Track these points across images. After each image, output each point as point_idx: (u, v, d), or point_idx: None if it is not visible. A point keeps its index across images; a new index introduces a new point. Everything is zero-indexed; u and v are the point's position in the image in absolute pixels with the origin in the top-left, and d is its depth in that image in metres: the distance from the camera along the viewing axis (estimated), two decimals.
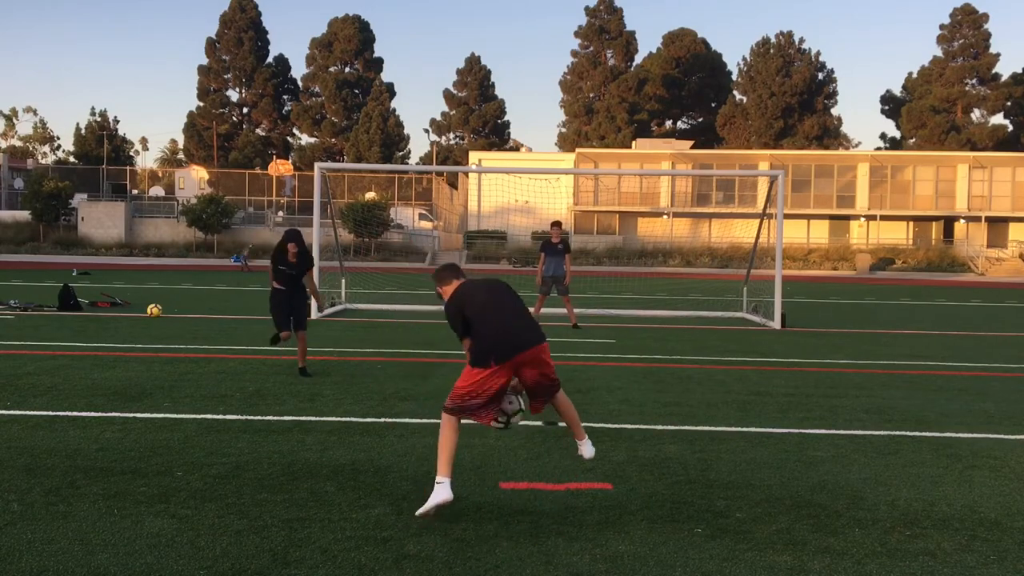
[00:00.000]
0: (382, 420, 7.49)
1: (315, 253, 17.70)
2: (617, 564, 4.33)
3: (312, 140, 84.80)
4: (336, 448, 6.47)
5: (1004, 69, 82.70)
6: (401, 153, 79.78)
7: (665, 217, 55.93)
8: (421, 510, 4.97)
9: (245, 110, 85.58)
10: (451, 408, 5.20)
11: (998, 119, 78.10)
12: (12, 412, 7.50)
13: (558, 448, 5.86)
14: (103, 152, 72.54)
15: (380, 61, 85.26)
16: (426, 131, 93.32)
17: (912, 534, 4.86)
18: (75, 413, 7.50)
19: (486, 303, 5.26)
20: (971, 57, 75.97)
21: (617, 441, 6.85)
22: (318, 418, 7.50)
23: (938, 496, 5.56)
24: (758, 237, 19.88)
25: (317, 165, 18.17)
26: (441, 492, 5.00)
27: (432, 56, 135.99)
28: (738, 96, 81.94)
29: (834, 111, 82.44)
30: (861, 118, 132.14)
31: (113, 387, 8.73)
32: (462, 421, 5.26)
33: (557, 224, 15.82)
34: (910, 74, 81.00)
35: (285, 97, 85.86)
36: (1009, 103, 76.45)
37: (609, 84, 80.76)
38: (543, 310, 15.95)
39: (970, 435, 7.35)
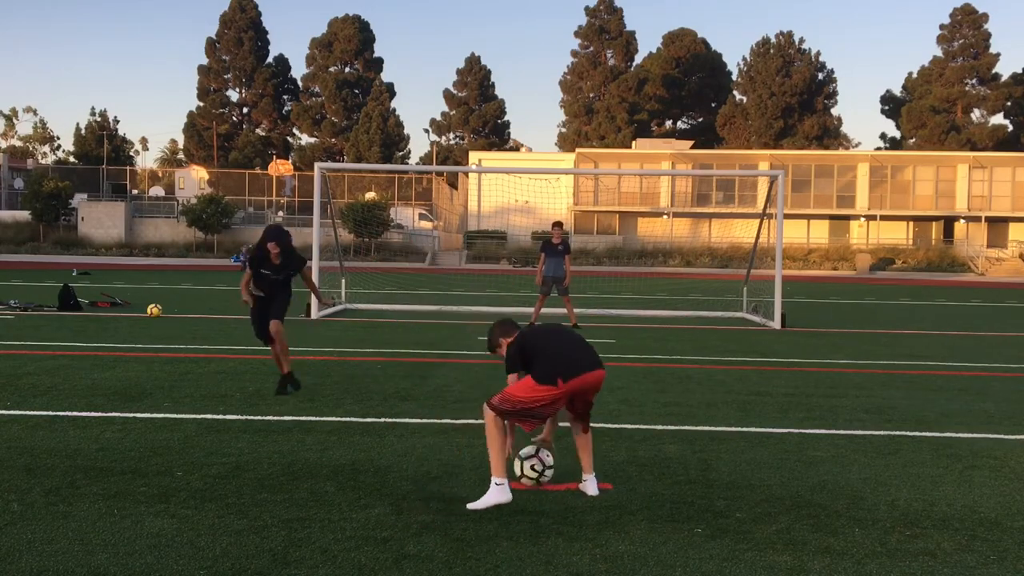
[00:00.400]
0: (382, 420, 7.49)
1: (315, 253, 17.70)
2: (617, 564, 4.33)
3: (312, 140, 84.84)
4: (336, 448, 6.47)
5: (1004, 69, 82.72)
6: (401, 153, 79.81)
7: (665, 217, 55.93)
8: (474, 504, 5.08)
9: (245, 110, 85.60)
10: (499, 409, 5.26)
11: (998, 119, 78.21)
12: (12, 412, 7.50)
13: (558, 448, 5.87)
14: (103, 152, 72.54)
15: (380, 61, 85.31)
16: (426, 131, 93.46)
17: (912, 534, 4.85)
18: (75, 413, 7.50)
19: (548, 336, 5.54)
20: (971, 57, 75.98)
21: (617, 441, 6.85)
22: (318, 418, 7.49)
23: (938, 496, 5.56)
24: (758, 237, 19.89)
25: (317, 165, 18.17)
26: (501, 493, 5.11)
27: (432, 56, 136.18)
28: (738, 96, 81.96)
29: (834, 111, 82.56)
30: (861, 118, 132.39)
31: (113, 387, 8.73)
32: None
33: (558, 224, 15.80)
34: (910, 74, 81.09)
35: (285, 97, 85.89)
36: (1009, 103, 76.48)
37: (609, 84, 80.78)
38: (543, 310, 15.97)
39: (970, 435, 7.35)
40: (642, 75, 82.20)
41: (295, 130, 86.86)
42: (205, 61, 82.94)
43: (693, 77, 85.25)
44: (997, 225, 57.08)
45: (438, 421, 7.48)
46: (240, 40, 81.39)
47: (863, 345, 13.97)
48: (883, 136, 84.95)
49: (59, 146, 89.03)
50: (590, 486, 5.44)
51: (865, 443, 6.98)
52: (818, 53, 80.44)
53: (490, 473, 5.22)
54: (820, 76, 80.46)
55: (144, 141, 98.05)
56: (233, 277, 31.69)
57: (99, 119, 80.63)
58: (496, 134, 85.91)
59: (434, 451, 6.45)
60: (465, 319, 16.71)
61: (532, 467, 5.51)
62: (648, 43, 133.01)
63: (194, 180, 59.38)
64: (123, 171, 61.88)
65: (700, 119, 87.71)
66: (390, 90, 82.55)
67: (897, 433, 7.35)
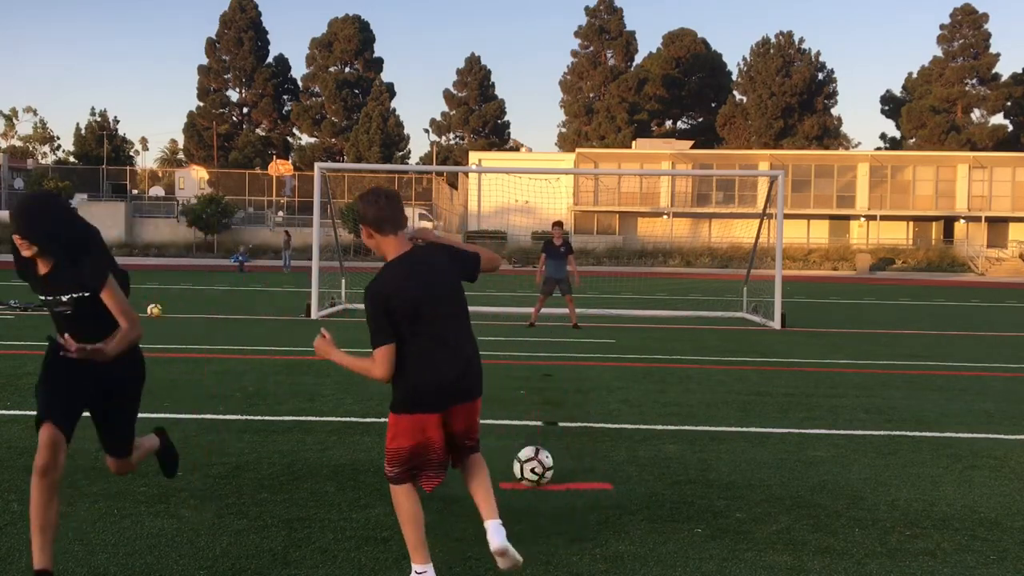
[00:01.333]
0: (382, 420, 7.47)
1: (315, 253, 17.66)
2: (617, 564, 4.33)
3: (312, 140, 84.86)
4: (336, 448, 6.47)
5: (1004, 69, 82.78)
6: (401, 153, 79.83)
7: (665, 217, 55.93)
8: None
9: (245, 110, 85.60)
10: (394, 477, 4.04)
11: (998, 119, 78.25)
12: (12, 412, 7.51)
13: (558, 448, 5.87)
14: (103, 152, 72.55)
15: (380, 61, 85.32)
16: (426, 131, 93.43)
17: (912, 534, 4.85)
18: None
19: (421, 305, 3.86)
20: (971, 57, 75.99)
21: (617, 441, 6.85)
22: (318, 418, 7.49)
23: (938, 496, 5.56)
24: (758, 237, 19.88)
25: (317, 165, 18.16)
26: None
27: (432, 56, 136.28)
28: (738, 96, 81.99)
29: (834, 111, 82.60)
30: (861, 118, 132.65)
31: None
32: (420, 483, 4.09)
33: (558, 224, 15.71)
34: (910, 74, 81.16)
35: (285, 97, 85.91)
36: (1009, 103, 76.52)
37: (609, 84, 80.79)
38: (543, 310, 15.95)
39: (970, 435, 7.35)
40: (642, 75, 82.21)
41: (295, 130, 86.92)
42: (205, 61, 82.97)
43: (693, 77, 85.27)
44: (997, 225, 57.09)
45: None
46: (240, 40, 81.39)
47: (863, 345, 13.97)
48: (883, 136, 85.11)
49: (59, 146, 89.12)
50: (495, 535, 3.97)
51: (865, 443, 6.98)
52: (818, 53, 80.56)
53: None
54: (820, 76, 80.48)
55: (144, 141, 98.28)
56: (233, 277, 31.67)
57: (99, 119, 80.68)
58: (496, 134, 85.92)
59: None
60: None
61: (532, 470, 5.51)
62: (648, 43, 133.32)
63: (194, 180, 59.43)
64: (123, 171, 61.92)
65: (700, 119, 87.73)
66: (390, 90, 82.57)
67: (897, 433, 7.35)
